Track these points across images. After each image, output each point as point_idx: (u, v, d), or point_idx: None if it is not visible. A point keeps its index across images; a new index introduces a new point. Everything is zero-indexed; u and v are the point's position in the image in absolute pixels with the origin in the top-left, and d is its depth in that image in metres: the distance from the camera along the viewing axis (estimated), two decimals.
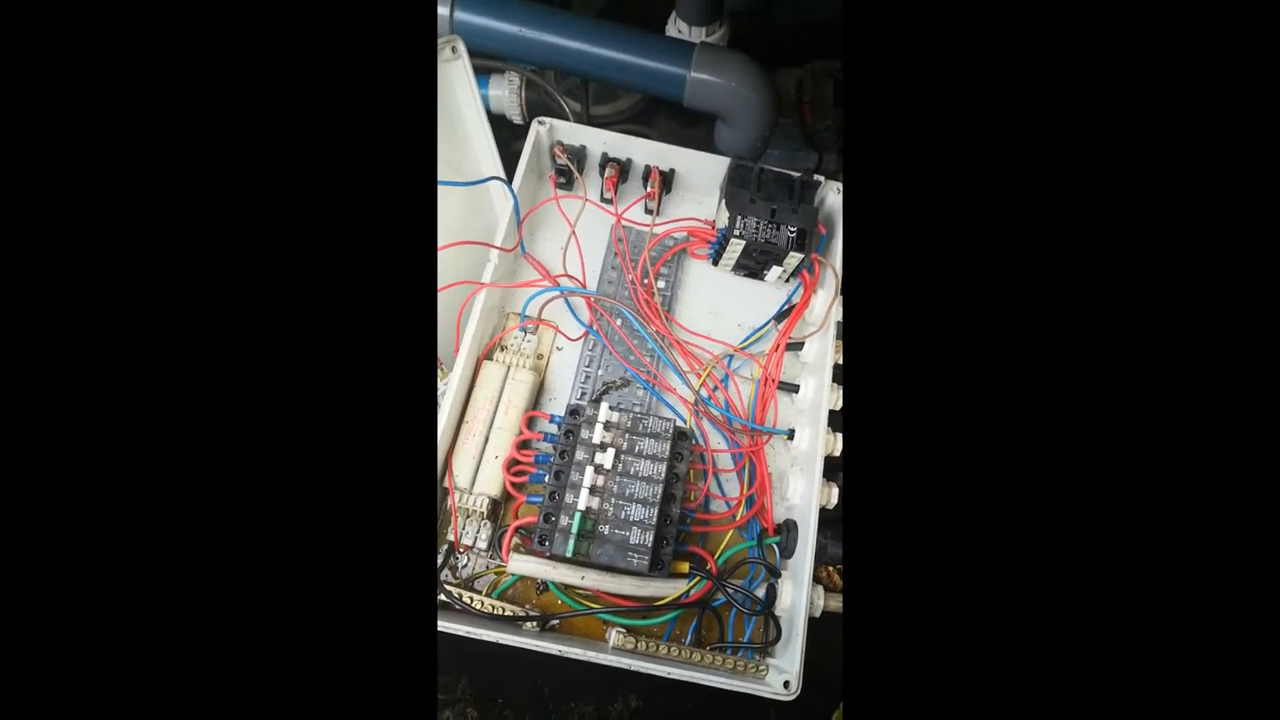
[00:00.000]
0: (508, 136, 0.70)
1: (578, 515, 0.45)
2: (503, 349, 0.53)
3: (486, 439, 0.49)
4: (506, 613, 0.46)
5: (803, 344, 0.55)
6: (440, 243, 0.43)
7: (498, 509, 0.48)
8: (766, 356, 0.54)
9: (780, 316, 0.56)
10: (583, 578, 0.44)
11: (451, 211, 0.53)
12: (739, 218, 0.52)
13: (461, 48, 0.59)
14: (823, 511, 0.47)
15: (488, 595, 0.47)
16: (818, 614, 0.45)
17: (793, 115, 0.81)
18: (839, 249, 0.55)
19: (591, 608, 0.46)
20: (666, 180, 0.59)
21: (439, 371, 0.50)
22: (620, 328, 0.55)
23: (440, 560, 0.47)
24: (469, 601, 0.46)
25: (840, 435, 0.49)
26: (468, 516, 0.48)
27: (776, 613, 0.47)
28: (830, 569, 0.55)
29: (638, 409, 0.52)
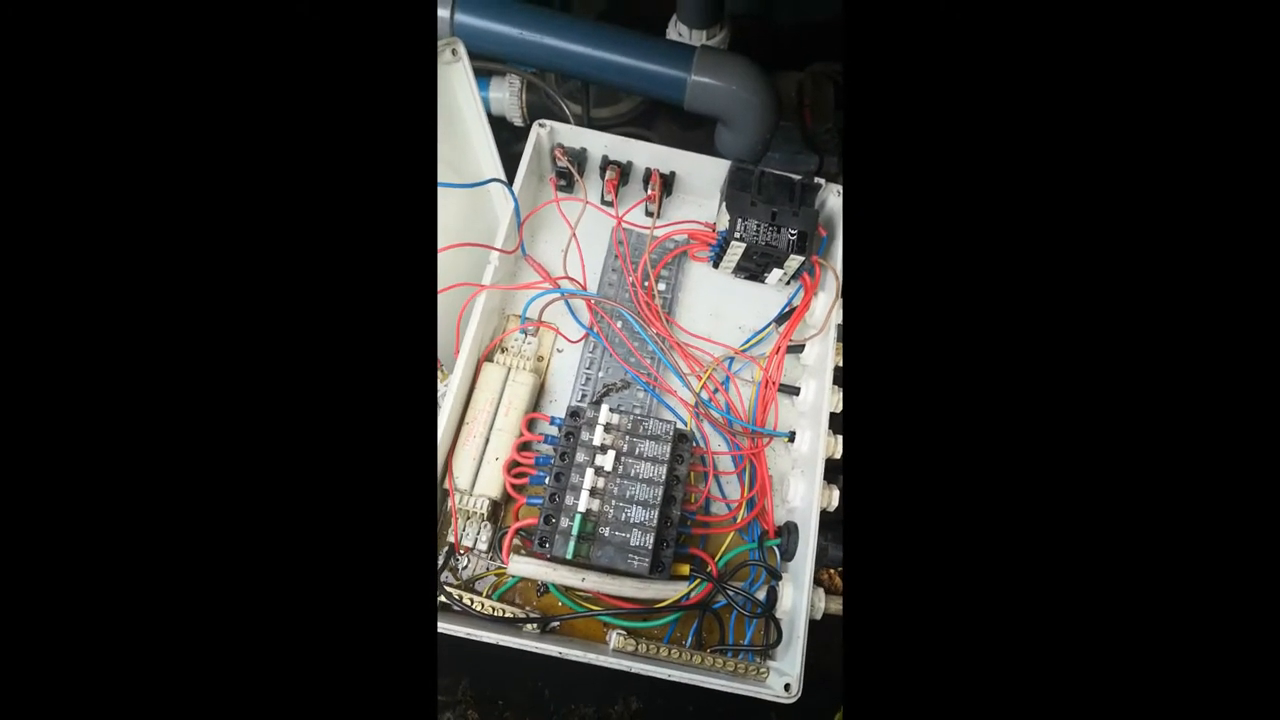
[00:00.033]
0: (508, 139, 0.70)
1: (578, 517, 0.45)
2: (503, 351, 0.53)
3: (487, 441, 0.49)
4: (507, 614, 0.46)
5: (803, 346, 0.55)
6: (440, 244, 0.43)
7: (498, 511, 0.48)
8: (767, 359, 0.54)
9: (781, 319, 0.56)
10: (583, 580, 0.44)
11: (452, 213, 0.53)
12: (739, 220, 0.52)
13: (462, 50, 0.60)
14: (823, 514, 0.47)
15: (488, 597, 0.47)
16: (818, 616, 0.45)
17: (793, 118, 0.81)
18: (839, 252, 0.55)
19: (592, 610, 0.46)
20: (667, 183, 0.59)
21: (439, 373, 0.50)
22: (621, 330, 0.55)
23: (441, 562, 0.47)
24: (469, 603, 0.46)
25: (841, 438, 0.49)
26: (468, 518, 0.48)
27: (777, 615, 0.47)
28: (831, 571, 0.55)
29: (638, 411, 0.52)
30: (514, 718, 0.64)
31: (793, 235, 0.52)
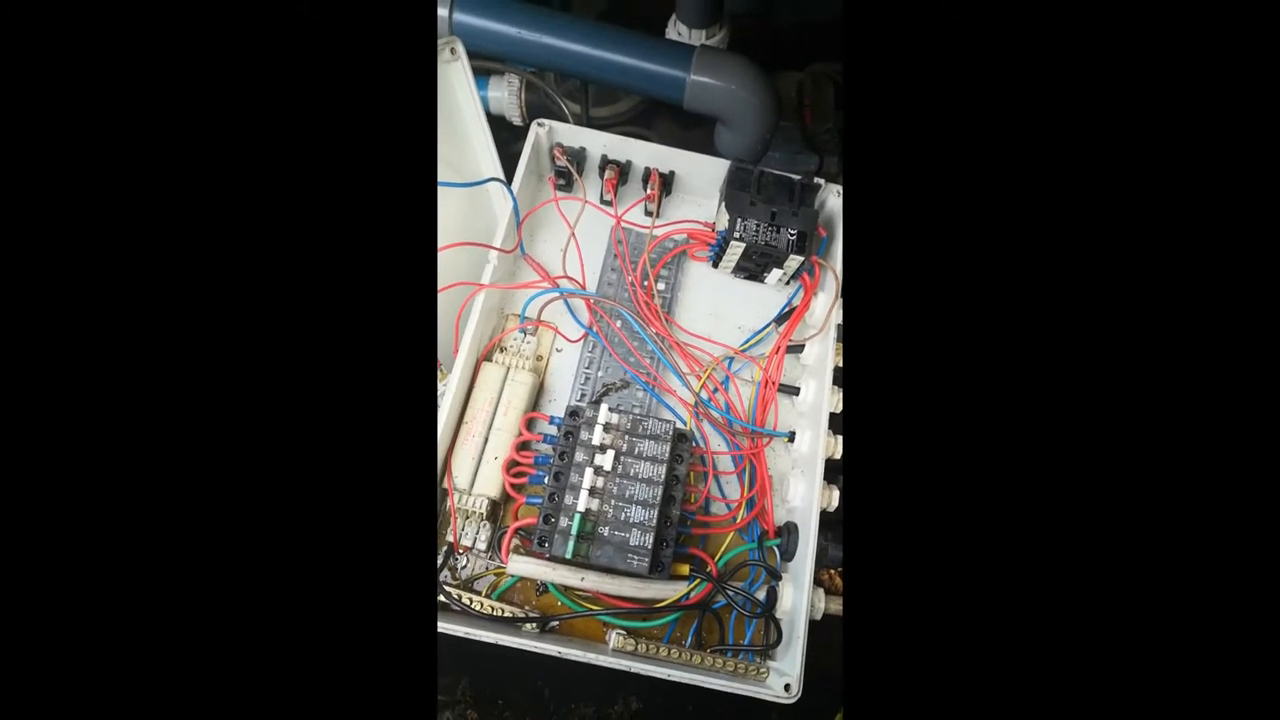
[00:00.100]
0: (507, 138, 0.70)
1: (577, 517, 0.45)
2: (502, 350, 0.53)
3: (486, 440, 0.49)
4: (506, 614, 0.46)
5: (803, 346, 0.55)
6: (439, 244, 0.43)
7: (497, 510, 0.48)
8: (767, 359, 0.54)
9: (780, 319, 0.56)
10: (582, 579, 0.44)
11: (451, 212, 0.53)
12: (739, 220, 0.52)
13: (460, 49, 0.59)
14: (823, 514, 0.47)
15: (487, 596, 0.47)
16: (818, 617, 0.45)
17: (793, 118, 0.81)
18: (839, 252, 0.55)
19: (591, 609, 0.46)
20: (666, 182, 0.59)
21: (438, 372, 0.50)
22: (620, 329, 0.55)
23: (440, 561, 0.47)
24: (469, 603, 0.46)
25: (841, 438, 0.49)
26: (467, 517, 0.48)
27: (777, 615, 0.47)
28: (831, 571, 0.55)
29: (637, 411, 0.52)
30: (514, 717, 0.64)
31: (792, 235, 0.52)
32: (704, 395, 0.53)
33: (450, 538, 0.47)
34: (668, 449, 0.47)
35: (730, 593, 0.47)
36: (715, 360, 0.54)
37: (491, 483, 0.47)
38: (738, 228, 0.52)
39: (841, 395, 0.50)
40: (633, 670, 0.43)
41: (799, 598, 0.45)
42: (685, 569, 0.47)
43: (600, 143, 0.58)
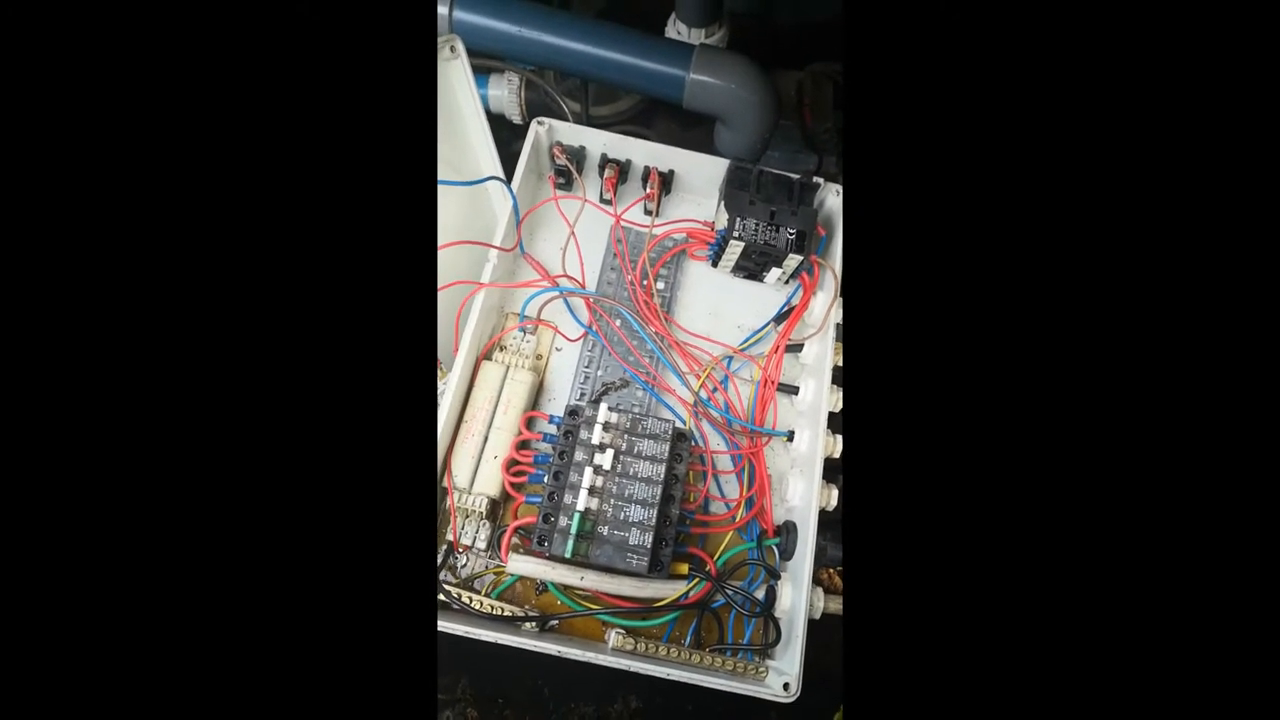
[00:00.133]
0: (507, 136, 0.70)
1: (577, 516, 0.45)
2: (502, 349, 0.53)
3: (485, 439, 0.49)
4: (506, 613, 0.46)
5: (802, 346, 0.55)
6: (439, 242, 0.43)
7: (497, 509, 0.48)
8: (766, 358, 0.54)
9: (780, 318, 0.56)
10: (582, 578, 0.44)
11: (450, 211, 0.53)
12: (738, 219, 0.52)
13: (460, 47, 0.59)
14: (822, 513, 0.47)
15: (487, 595, 0.47)
16: (817, 616, 0.45)
17: (792, 117, 0.81)
18: (838, 251, 0.55)
19: (591, 609, 0.46)
20: (666, 181, 0.59)
21: (438, 371, 0.50)
22: (619, 328, 0.55)
23: (440, 560, 0.47)
24: (468, 601, 0.46)
25: (840, 437, 0.49)
26: (467, 516, 0.48)
27: (776, 614, 0.47)
28: (830, 571, 0.55)
29: (637, 410, 0.52)
30: (513, 716, 0.64)
31: (791, 234, 0.52)
32: (703, 394, 0.53)
33: (450, 536, 0.47)
34: (667, 448, 0.47)
35: (729, 592, 0.47)
36: (714, 359, 0.54)
37: (491, 481, 0.47)
38: (737, 227, 0.52)
39: (840, 394, 0.50)
40: (632, 669, 0.43)
41: (798, 597, 0.45)
42: (684, 568, 0.47)
43: (600, 141, 0.58)
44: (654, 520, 0.45)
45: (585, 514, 0.45)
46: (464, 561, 0.49)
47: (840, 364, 0.51)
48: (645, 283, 0.56)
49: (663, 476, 0.46)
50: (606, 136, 0.58)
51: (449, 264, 0.45)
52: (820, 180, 0.55)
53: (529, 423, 0.50)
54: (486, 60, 0.76)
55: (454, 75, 0.60)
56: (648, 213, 0.59)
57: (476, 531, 0.47)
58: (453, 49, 0.59)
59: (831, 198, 0.56)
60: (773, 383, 0.54)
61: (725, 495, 0.51)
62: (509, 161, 0.58)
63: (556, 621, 0.47)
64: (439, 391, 0.48)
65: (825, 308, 0.54)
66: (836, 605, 0.45)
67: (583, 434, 0.47)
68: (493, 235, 0.53)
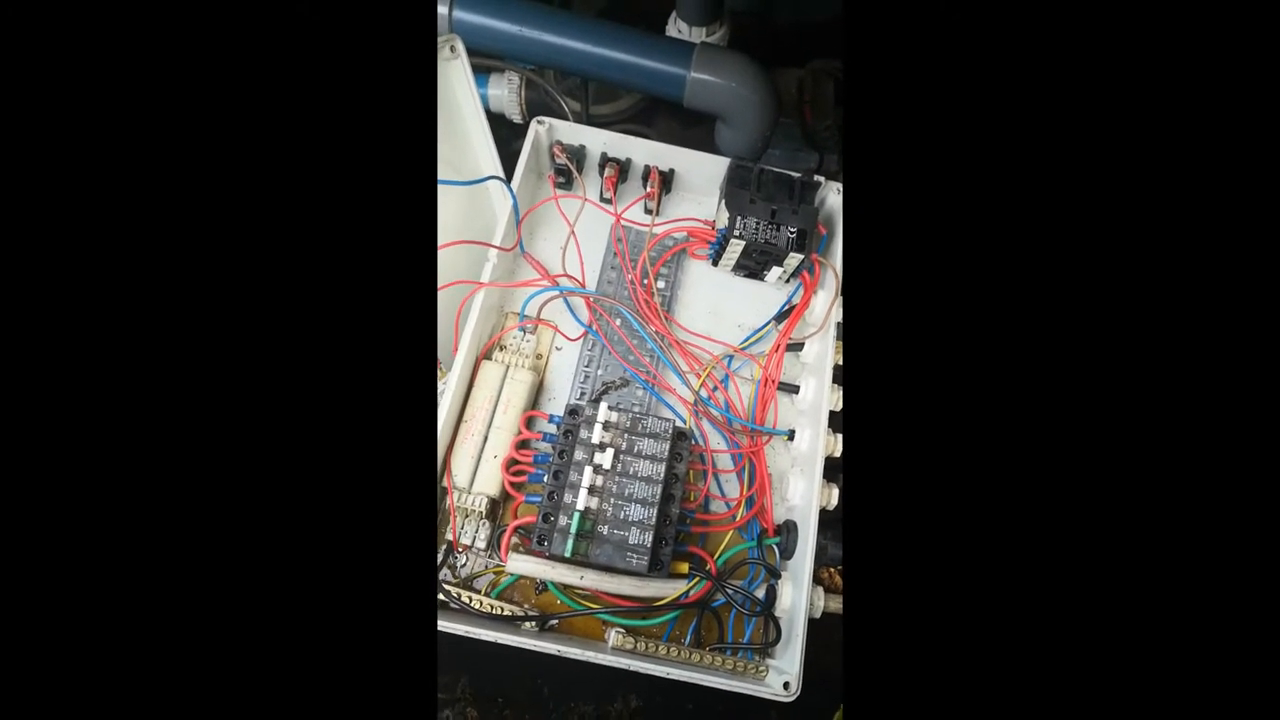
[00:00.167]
0: (507, 136, 0.70)
1: (576, 515, 0.44)
2: (502, 349, 0.53)
3: (485, 438, 0.49)
4: (506, 612, 0.46)
5: (803, 345, 0.55)
6: (439, 242, 0.43)
7: (496, 508, 0.48)
8: (766, 357, 0.54)
9: (780, 317, 0.56)
10: (581, 578, 0.44)
11: (450, 210, 0.53)
12: (739, 218, 0.52)
13: (460, 47, 0.59)
14: (823, 512, 0.47)
15: (487, 595, 0.47)
16: (818, 615, 0.45)
17: (793, 115, 0.81)
18: (839, 250, 0.55)
19: (590, 608, 0.46)
20: (666, 180, 0.59)
21: (438, 371, 0.49)
22: (620, 328, 0.55)
23: (439, 560, 0.47)
24: (468, 601, 0.46)
25: (840, 436, 0.49)
26: (466, 516, 0.47)
27: (776, 614, 0.47)
28: (830, 570, 0.55)
29: (637, 409, 0.52)
30: (513, 716, 0.64)
31: (792, 233, 0.52)
32: (703, 393, 0.53)
33: (450, 536, 0.47)
34: (667, 447, 0.47)
35: (729, 591, 0.47)
36: (715, 358, 0.54)
37: (491, 481, 0.47)
38: (738, 225, 0.52)
39: (841, 393, 0.50)
40: (632, 668, 0.43)
41: (798, 596, 0.45)
42: (684, 567, 0.47)
43: (600, 140, 0.58)
44: (654, 519, 0.45)
45: (585, 513, 0.45)
46: (464, 561, 0.49)
47: (841, 363, 0.51)
48: (645, 282, 0.56)
49: (663, 475, 0.46)
50: (607, 135, 0.58)
51: (449, 263, 0.45)
52: (821, 179, 0.55)
53: (529, 422, 0.50)
54: (486, 60, 0.76)
55: (454, 75, 0.60)
56: (648, 212, 0.59)
57: (476, 531, 0.47)
58: (453, 49, 0.59)
59: (832, 196, 0.56)
60: (773, 382, 0.54)
61: (725, 494, 0.51)
62: (509, 161, 0.58)
63: (556, 621, 0.47)
64: (439, 391, 0.48)
65: (826, 306, 0.53)
66: (837, 604, 0.45)
67: (583, 433, 0.47)
68: (493, 235, 0.53)
